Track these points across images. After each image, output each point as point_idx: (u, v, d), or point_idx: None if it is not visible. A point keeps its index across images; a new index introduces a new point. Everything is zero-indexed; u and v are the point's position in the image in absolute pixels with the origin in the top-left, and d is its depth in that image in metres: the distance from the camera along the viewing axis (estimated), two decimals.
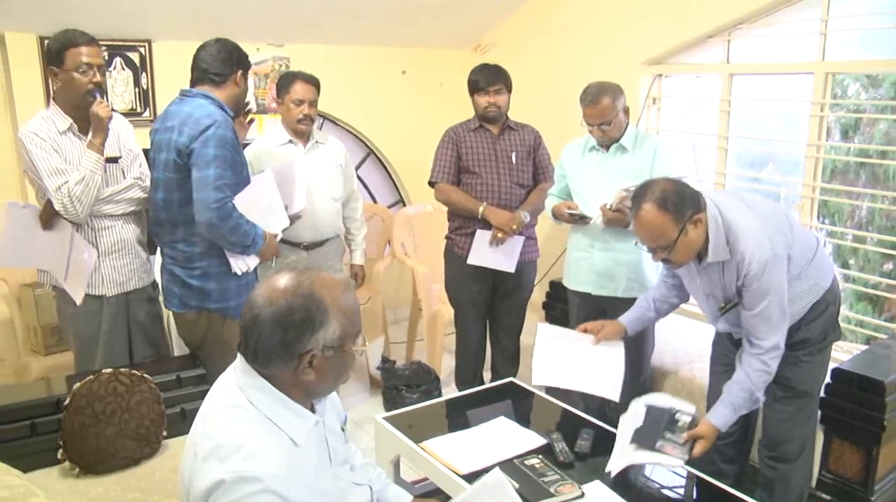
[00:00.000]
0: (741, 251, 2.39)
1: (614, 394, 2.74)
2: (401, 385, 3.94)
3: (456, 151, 3.69)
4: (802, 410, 2.63)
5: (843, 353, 3.41)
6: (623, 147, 3.29)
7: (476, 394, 3.09)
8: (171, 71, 4.05)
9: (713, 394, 2.86)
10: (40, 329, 3.63)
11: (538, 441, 2.49)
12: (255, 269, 3.04)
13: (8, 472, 1.93)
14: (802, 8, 3.59)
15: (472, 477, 2.20)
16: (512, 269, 3.64)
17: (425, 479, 2.56)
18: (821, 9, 3.49)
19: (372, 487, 1.82)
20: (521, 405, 2.93)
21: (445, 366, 4.39)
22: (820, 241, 2.71)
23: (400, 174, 5.46)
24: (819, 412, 2.87)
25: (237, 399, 1.52)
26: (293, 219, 3.18)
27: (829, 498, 2.92)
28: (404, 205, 5.50)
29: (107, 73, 4.00)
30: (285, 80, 3.46)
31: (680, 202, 2.35)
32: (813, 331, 2.56)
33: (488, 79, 3.61)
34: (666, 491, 2.38)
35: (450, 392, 3.98)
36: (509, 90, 3.67)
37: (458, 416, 2.86)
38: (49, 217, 2.83)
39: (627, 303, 3.26)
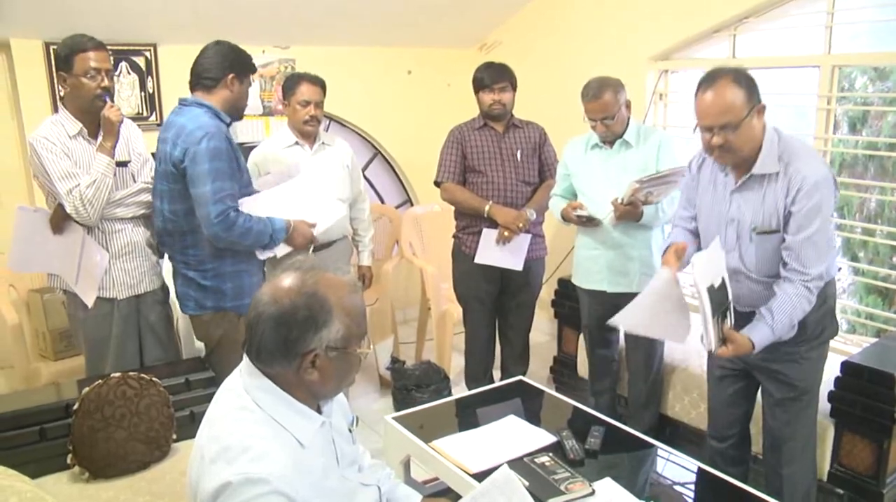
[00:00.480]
0: (797, 166, 2.33)
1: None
2: (410, 385, 3.94)
3: (461, 150, 3.69)
4: (804, 410, 2.59)
5: (852, 346, 3.39)
6: (627, 142, 3.28)
7: (486, 393, 3.08)
8: (177, 75, 4.02)
9: (714, 401, 2.85)
10: (49, 334, 3.64)
11: (548, 439, 2.48)
12: (265, 268, 3.05)
13: (17, 478, 1.93)
14: (808, 1, 3.57)
15: (482, 476, 2.19)
16: (519, 267, 3.63)
17: (436, 479, 2.56)
18: (826, 1, 3.48)
19: (380, 487, 1.82)
20: (530, 403, 2.93)
21: (455, 365, 4.39)
22: None
23: (407, 174, 5.46)
24: (829, 405, 2.87)
25: (243, 400, 1.52)
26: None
27: (840, 491, 2.91)
28: (412, 205, 5.50)
29: (113, 78, 4.02)
30: (291, 82, 3.46)
31: (752, 83, 2.32)
32: (811, 324, 2.49)
33: (493, 76, 3.60)
34: (678, 488, 2.37)
35: (459, 391, 3.97)
36: (514, 88, 3.67)
37: (467, 415, 2.86)
38: (59, 221, 2.85)
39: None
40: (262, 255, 2.95)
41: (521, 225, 3.56)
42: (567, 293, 4.12)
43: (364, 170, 4.98)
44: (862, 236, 4.29)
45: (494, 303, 3.83)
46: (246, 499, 1.39)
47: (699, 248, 2.65)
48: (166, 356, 3.11)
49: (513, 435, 2.52)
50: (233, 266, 2.93)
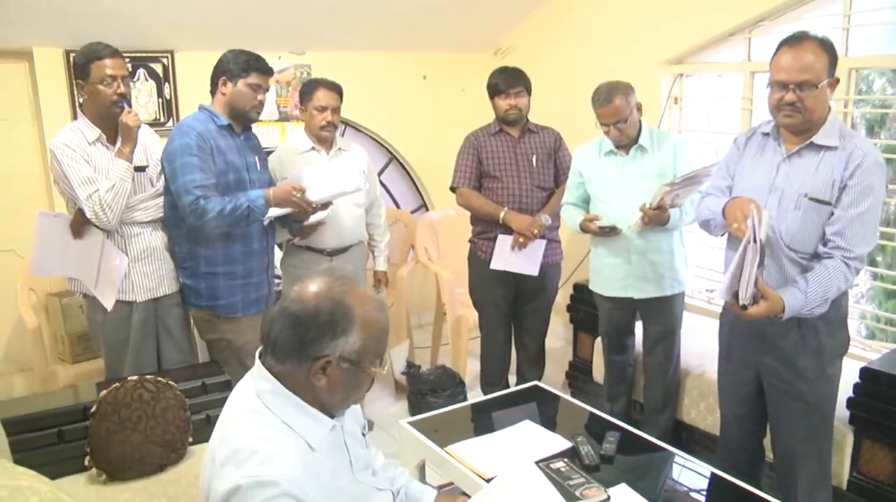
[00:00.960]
0: (857, 143, 2.34)
1: None
2: (426, 389, 3.94)
3: (477, 156, 3.69)
4: (819, 427, 2.56)
5: (872, 352, 3.36)
6: (642, 147, 3.27)
7: (501, 398, 3.08)
8: (194, 81, 4.09)
9: (724, 395, 2.83)
10: (67, 337, 3.68)
11: (563, 444, 2.47)
12: (256, 271, 3.12)
13: (36, 479, 1.94)
14: (824, 3, 3.55)
15: None
16: (535, 273, 3.63)
17: (450, 484, 2.55)
18: (843, 3, 3.46)
19: (394, 492, 1.82)
20: (546, 408, 2.92)
21: (470, 369, 4.39)
22: None
23: (423, 179, 5.47)
24: (847, 413, 2.84)
25: (254, 404, 1.53)
26: (318, 224, 3.31)
27: (860, 500, 2.87)
28: (427, 210, 5.51)
29: (131, 84, 4.06)
30: (308, 88, 3.48)
31: (835, 55, 2.33)
32: (824, 333, 2.47)
33: (508, 81, 3.61)
34: (693, 494, 2.35)
35: (475, 396, 3.97)
36: (529, 92, 3.67)
37: (483, 420, 2.86)
38: (80, 225, 2.90)
39: (662, 300, 3.28)
40: (265, 219, 3.03)
41: (535, 231, 3.55)
42: (582, 298, 4.11)
43: (379, 175, 4.99)
44: (881, 240, 4.24)
45: (510, 307, 3.82)
46: None
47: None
48: (183, 358, 3.16)
49: (528, 441, 2.51)
50: (207, 267, 3.04)
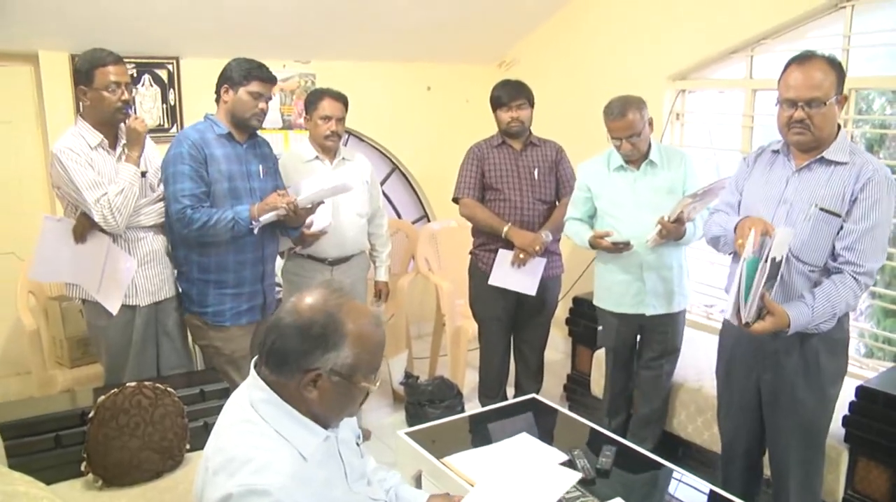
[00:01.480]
0: (867, 159, 2.37)
1: None
2: (423, 400, 3.94)
3: (480, 168, 3.70)
4: (812, 445, 2.58)
5: (868, 371, 3.36)
6: (653, 162, 3.27)
7: (499, 410, 3.08)
8: (199, 88, 4.09)
9: (725, 411, 2.83)
10: (66, 341, 3.67)
11: (560, 457, 2.47)
12: (248, 281, 3.12)
13: (32, 484, 1.94)
14: (825, 23, 3.58)
15: None
16: (533, 292, 3.63)
17: (447, 494, 2.55)
18: (843, 24, 3.48)
19: (386, 491, 1.83)
20: (543, 421, 2.92)
21: (468, 381, 4.39)
22: None
23: (424, 190, 5.48)
24: (843, 431, 2.84)
25: (248, 413, 1.54)
26: (319, 233, 3.30)
27: None
28: (428, 220, 5.52)
29: (135, 90, 4.08)
30: (314, 97, 3.50)
31: (842, 73, 2.35)
32: (825, 355, 2.48)
33: (511, 94, 3.62)
34: None
35: (472, 407, 3.96)
36: (532, 105, 3.68)
37: (480, 432, 2.86)
38: (83, 230, 2.91)
39: (670, 317, 3.32)
40: (255, 225, 3.01)
41: (537, 248, 3.56)
42: (582, 311, 4.12)
43: (382, 184, 5.00)
44: None
45: (510, 320, 3.83)
46: None
47: None
48: (181, 362, 3.17)
49: (525, 453, 2.52)
50: (199, 274, 3.08)
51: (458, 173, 3.78)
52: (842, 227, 2.37)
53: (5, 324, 4.05)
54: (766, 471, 2.84)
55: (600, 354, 3.96)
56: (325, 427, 1.59)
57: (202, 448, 2.61)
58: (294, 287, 3.51)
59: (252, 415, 1.53)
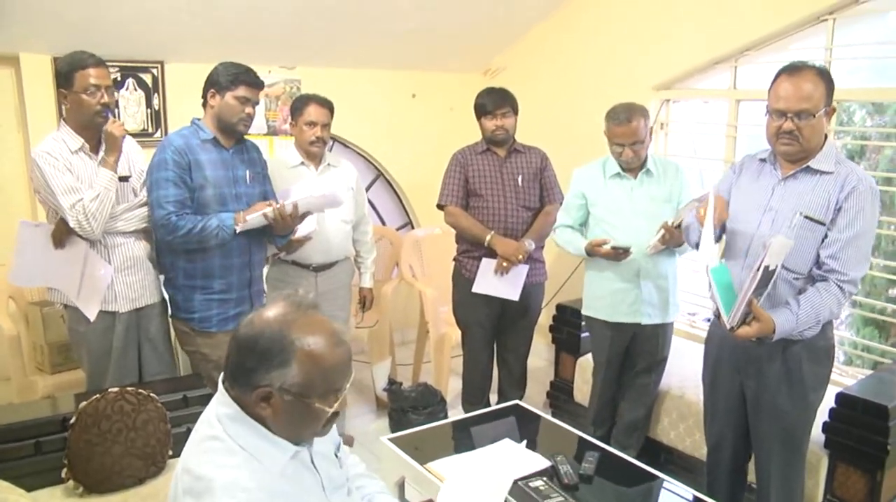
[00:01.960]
0: (852, 168, 2.39)
1: None
2: (407, 406, 3.94)
3: (463, 174, 3.71)
4: (793, 451, 2.60)
5: (848, 378, 3.40)
6: (650, 171, 3.29)
7: (482, 416, 3.09)
8: (183, 92, 4.10)
9: (711, 418, 2.85)
10: (47, 347, 3.64)
11: (543, 463, 2.48)
12: (235, 287, 3.10)
13: (12, 491, 1.93)
14: (808, 35, 3.62)
15: None
16: (516, 298, 3.64)
17: (430, 501, 2.56)
18: (826, 36, 3.52)
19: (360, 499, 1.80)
20: (526, 427, 2.93)
21: (452, 388, 4.39)
22: None
23: (409, 197, 5.48)
24: (823, 436, 2.87)
25: (215, 430, 1.49)
26: (304, 239, 3.29)
27: None
28: (413, 227, 5.52)
29: (119, 94, 4.06)
30: (299, 103, 3.50)
31: (832, 84, 2.37)
32: (808, 362, 2.51)
33: (495, 102, 3.63)
34: None
35: (456, 414, 3.97)
36: (516, 113, 3.69)
37: (463, 438, 2.87)
38: (62, 235, 2.87)
39: (663, 326, 3.35)
40: (238, 228, 2.98)
41: (520, 257, 3.57)
42: (565, 319, 4.13)
43: (366, 191, 5.00)
44: None
45: (494, 327, 3.83)
46: None
47: (720, 236, 2.68)
48: (164, 369, 3.14)
49: (508, 459, 2.52)
50: (185, 279, 3.06)
51: (442, 180, 3.79)
52: (826, 236, 2.40)
53: None
54: (752, 477, 2.86)
55: (583, 361, 3.97)
56: (297, 443, 1.54)
57: None
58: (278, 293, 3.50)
59: (219, 432, 1.48)
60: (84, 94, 2.81)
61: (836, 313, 2.43)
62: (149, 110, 4.26)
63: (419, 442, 2.72)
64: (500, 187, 3.67)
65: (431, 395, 4.01)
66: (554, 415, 3.97)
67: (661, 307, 3.32)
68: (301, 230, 3.22)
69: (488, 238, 3.60)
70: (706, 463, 2.93)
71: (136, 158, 3.08)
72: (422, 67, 5.21)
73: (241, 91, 2.98)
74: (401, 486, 2.62)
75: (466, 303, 3.80)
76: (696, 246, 2.73)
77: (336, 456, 1.74)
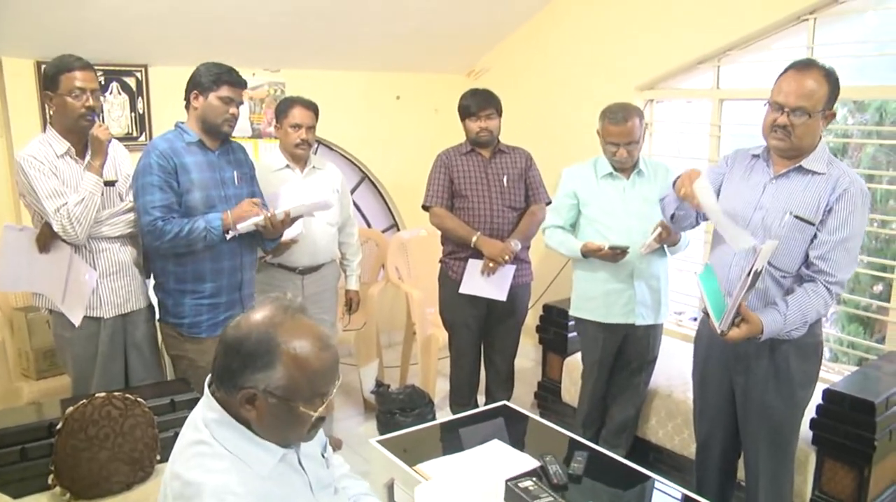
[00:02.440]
0: (844, 170, 2.40)
1: None
2: (395, 408, 3.93)
3: (448, 175, 3.71)
4: (782, 448, 2.62)
5: (834, 375, 3.43)
6: (641, 171, 3.31)
7: (470, 417, 3.09)
8: (168, 96, 4.07)
9: (700, 417, 2.87)
10: (32, 353, 3.61)
11: (532, 463, 2.49)
12: (225, 291, 3.08)
13: None
14: (789, 35, 3.66)
15: None
16: (503, 298, 3.63)
17: None
18: (807, 35, 3.56)
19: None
20: (514, 427, 2.93)
21: (439, 389, 4.39)
22: None
23: (394, 198, 5.48)
24: (811, 433, 2.89)
25: (202, 434, 1.49)
26: (291, 242, 3.30)
27: None
28: (398, 229, 5.52)
29: (103, 98, 4.03)
30: (284, 105, 3.49)
31: (837, 88, 2.37)
32: (796, 360, 2.53)
33: (479, 104, 3.63)
34: None
35: (444, 415, 3.97)
36: (500, 114, 3.69)
37: (451, 439, 2.87)
38: (46, 240, 2.85)
39: (655, 327, 3.37)
40: (229, 234, 2.96)
41: (506, 257, 3.57)
42: (552, 319, 4.14)
43: (351, 193, 5.00)
44: None
45: (480, 327, 3.83)
46: None
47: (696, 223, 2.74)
48: (151, 374, 3.12)
49: (497, 460, 2.53)
50: (175, 284, 3.03)
51: (427, 181, 3.79)
52: (815, 236, 2.41)
53: None
54: (741, 474, 2.88)
55: (570, 362, 3.98)
56: (284, 446, 1.55)
57: None
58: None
59: (206, 436, 1.48)
60: (69, 96, 2.79)
61: (823, 314, 2.45)
62: (133, 114, 4.24)
63: (408, 444, 2.72)
64: (485, 188, 3.67)
65: (419, 397, 4.00)
66: (542, 416, 3.98)
67: (654, 308, 3.34)
68: (288, 233, 3.21)
69: (474, 239, 3.60)
70: (695, 461, 2.95)
71: (123, 163, 3.06)
72: (406, 69, 5.21)
73: (225, 91, 2.95)
74: (390, 488, 2.62)
75: (453, 305, 3.80)
76: (671, 218, 2.77)
77: (323, 456, 1.75)
